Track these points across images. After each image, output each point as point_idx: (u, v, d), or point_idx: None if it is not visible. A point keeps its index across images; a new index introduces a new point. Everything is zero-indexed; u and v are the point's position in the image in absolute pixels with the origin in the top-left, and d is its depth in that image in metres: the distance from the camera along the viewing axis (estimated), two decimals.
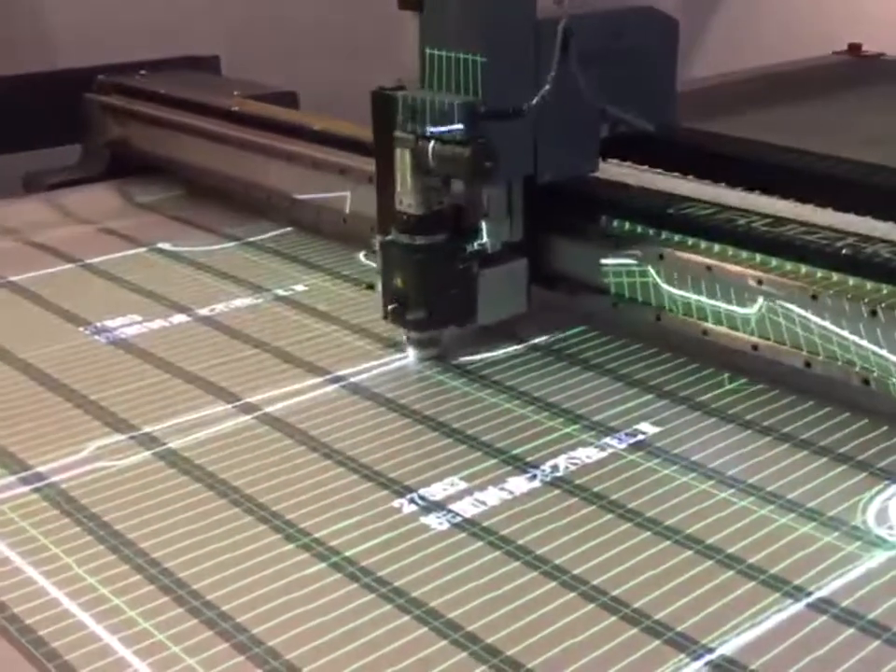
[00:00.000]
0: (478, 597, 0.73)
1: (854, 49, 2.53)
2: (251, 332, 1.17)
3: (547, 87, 1.00)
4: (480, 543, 0.80)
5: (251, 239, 1.47)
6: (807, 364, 0.97)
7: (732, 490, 0.85)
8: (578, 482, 0.87)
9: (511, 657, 0.68)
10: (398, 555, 0.78)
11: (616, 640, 0.69)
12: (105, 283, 1.33)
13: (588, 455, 0.91)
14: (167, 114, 1.66)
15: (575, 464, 0.90)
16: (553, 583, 0.75)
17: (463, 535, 0.81)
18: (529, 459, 0.90)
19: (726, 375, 1.04)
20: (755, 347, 1.00)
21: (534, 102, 1.00)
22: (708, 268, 1.03)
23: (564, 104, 1.02)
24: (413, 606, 0.73)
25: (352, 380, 1.05)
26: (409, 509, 0.84)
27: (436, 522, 0.82)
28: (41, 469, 0.91)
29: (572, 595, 0.74)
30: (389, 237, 1.06)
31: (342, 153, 1.39)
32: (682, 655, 0.68)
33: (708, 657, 0.67)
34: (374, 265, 1.11)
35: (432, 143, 1.00)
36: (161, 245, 1.45)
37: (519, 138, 1.04)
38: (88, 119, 1.78)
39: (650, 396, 1.01)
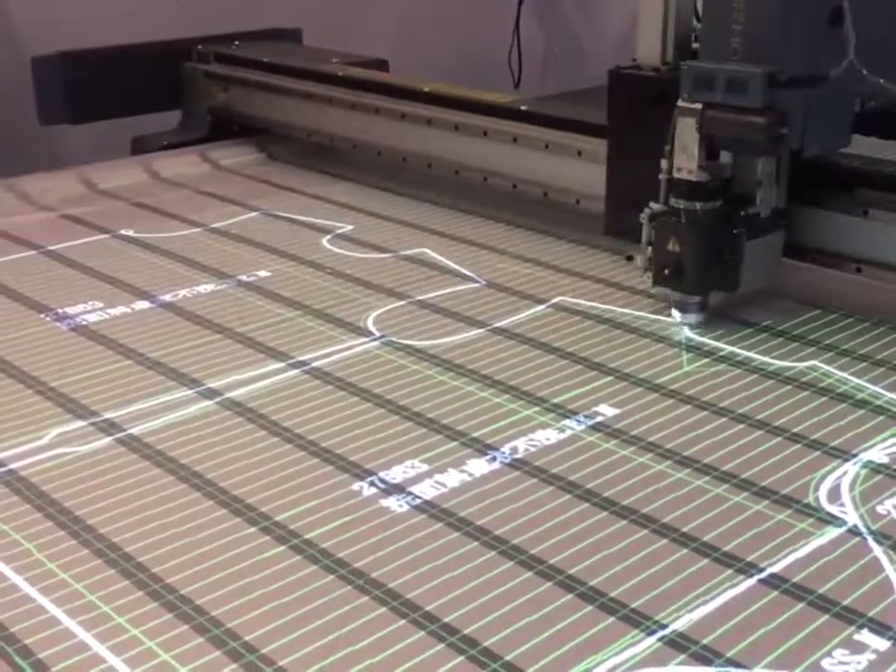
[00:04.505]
0: (437, 578, 0.74)
1: None
2: (214, 318, 1.17)
3: (851, 54, 1.03)
4: (439, 525, 0.80)
5: (215, 225, 1.47)
6: None
7: (688, 470, 0.87)
8: (537, 463, 0.88)
9: (469, 635, 0.69)
10: (357, 537, 0.79)
11: (571, 618, 0.70)
12: (66, 269, 1.32)
13: (547, 437, 0.92)
14: (277, 80, 1.77)
15: (534, 446, 0.91)
16: (511, 563, 0.76)
17: (423, 516, 0.81)
18: (489, 441, 0.91)
19: (685, 357, 1.06)
20: None
21: (841, 68, 1.03)
22: None
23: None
24: (373, 587, 0.73)
25: (314, 365, 1.06)
26: (369, 491, 0.84)
27: (396, 504, 0.83)
28: (0, 455, 0.90)
29: (529, 574, 0.75)
30: (660, 210, 1.11)
31: (453, 112, 1.52)
32: (636, 631, 0.69)
33: (662, 633, 0.69)
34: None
35: (724, 112, 1.04)
36: (123, 232, 1.45)
37: (810, 106, 1.07)
38: (189, 86, 1.86)
39: (609, 378, 1.02)
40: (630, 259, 1.26)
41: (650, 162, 1.12)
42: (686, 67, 1.08)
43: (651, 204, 1.12)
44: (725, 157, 1.11)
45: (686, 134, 1.08)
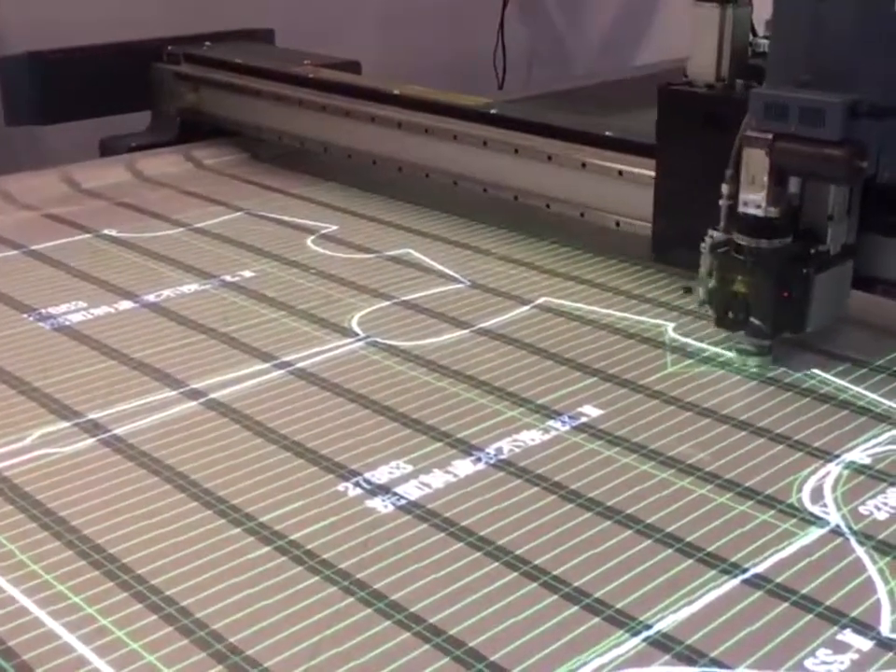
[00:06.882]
0: (422, 578, 0.74)
1: None
2: (198, 319, 1.16)
3: None
4: (424, 525, 0.80)
5: (198, 225, 1.47)
6: None
7: (672, 470, 0.87)
8: (521, 464, 0.88)
9: (454, 636, 0.69)
10: (342, 538, 0.79)
11: (557, 618, 0.70)
12: (49, 269, 1.32)
13: (532, 437, 0.92)
14: (247, 81, 1.75)
15: (519, 447, 0.91)
16: (496, 564, 0.76)
17: (408, 517, 0.81)
18: (474, 442, 0.91)
19: (669, 358, 1.06)
20: None
21: None
22: None
23: None
24: (358, 587, 0.73)
25: (299, 365, 1.05)
26: (354, 492, 0.84)
27: (381, 505, 0.83)
28: None
29: (514, 574, 0.75)
30: (721, 238, 1.03)
31: (424, 115, 1.51)
32: (621, 632, 0.69)
33: (646, 633, 0.69)
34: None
35: (798, 143, 0.97)
36: (107, 232, 1.44)
37: (888, 131, 0.99)
38: (159, 87, 1.85)
39: (594, 378, 1.02)
40: (688, 291, 1.18)
41: (703, 186, 1.06)
42: (756, 94, 1.00)
43: (712, 233, 1.04)
44: (794, 184, 1.02)
45: (754, 166, 1.00)
